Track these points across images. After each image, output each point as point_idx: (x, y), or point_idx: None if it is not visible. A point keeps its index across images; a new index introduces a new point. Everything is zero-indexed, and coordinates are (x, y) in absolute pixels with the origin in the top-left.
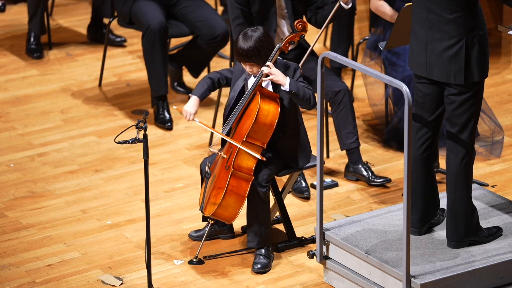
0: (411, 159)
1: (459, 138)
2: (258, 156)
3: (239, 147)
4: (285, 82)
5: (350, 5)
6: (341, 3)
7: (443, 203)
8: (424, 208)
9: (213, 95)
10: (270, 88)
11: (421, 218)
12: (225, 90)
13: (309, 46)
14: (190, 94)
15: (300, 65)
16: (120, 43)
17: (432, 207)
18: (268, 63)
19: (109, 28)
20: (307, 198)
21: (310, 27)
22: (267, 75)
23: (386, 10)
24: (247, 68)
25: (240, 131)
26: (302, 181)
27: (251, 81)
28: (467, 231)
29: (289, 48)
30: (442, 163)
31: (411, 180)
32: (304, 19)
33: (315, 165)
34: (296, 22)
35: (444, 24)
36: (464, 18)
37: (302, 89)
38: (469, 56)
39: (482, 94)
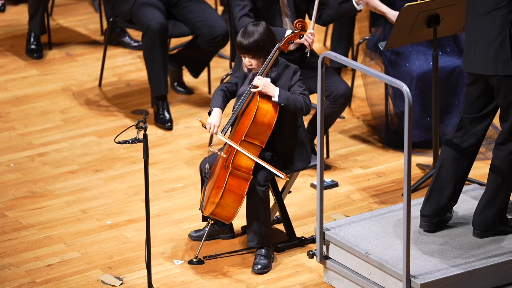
0: (411, 159)
1: (509, 134)
2: (257, 160)
3: (237, 149)
4: (275, 94)
5: (361, 6)
6: (354, 3)
7: None
8: (445, 199)
9: None
10: None
11: (436, 209)
12: None
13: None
14: (210, 110)
15: (311, 29)
16: (134, 47)
17: (452, 201)
18: (258, 76)
19: (109, 27)
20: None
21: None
22: (257, 87)
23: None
24: (247, 61)
25: (239, 130)
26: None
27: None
28: (496, 221)
29: (289, 48)
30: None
31: (411, 180)
32: (307, 16)
33: (315, 165)
34: (295, 21)
35: (487, 16)
36: (507, 9)
37: (293, 99)
38: None
39: None
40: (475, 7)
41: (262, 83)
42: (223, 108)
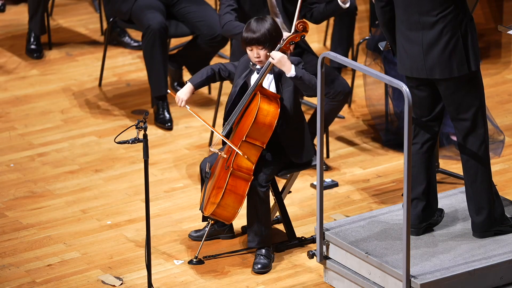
0: (411, 159)
1: (471, 131)
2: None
3: (229, 144)
4: (290, 69)
5: (347, 5)
6: (340, 2)
7: (441, 204)
8: (423, 207)
9: (213, 94)
10: (271, 89)
11: (419, 217)
12: (225, 89)
13: (308, 46)
14: (186, 81)
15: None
16: (134, 47)
17: (431, 206)
18: (276, 50)
19: (110, 27)
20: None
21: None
22: (274, 58)
23: None
24: (254, 54)
25: (240, 130)
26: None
27: (253, 78)
28: (492, 221)
29: (290, 48)
30: (442, 164)
31: (411, 180)
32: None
33: (315, 165)
34: (297, 22)
35: (436, 23)
36: (454, 12)
37: (308, 75)
38: (466, 46)
39: (482, 83)
40: (420, 13)
41: (279, 57)
42: (197, 87)
